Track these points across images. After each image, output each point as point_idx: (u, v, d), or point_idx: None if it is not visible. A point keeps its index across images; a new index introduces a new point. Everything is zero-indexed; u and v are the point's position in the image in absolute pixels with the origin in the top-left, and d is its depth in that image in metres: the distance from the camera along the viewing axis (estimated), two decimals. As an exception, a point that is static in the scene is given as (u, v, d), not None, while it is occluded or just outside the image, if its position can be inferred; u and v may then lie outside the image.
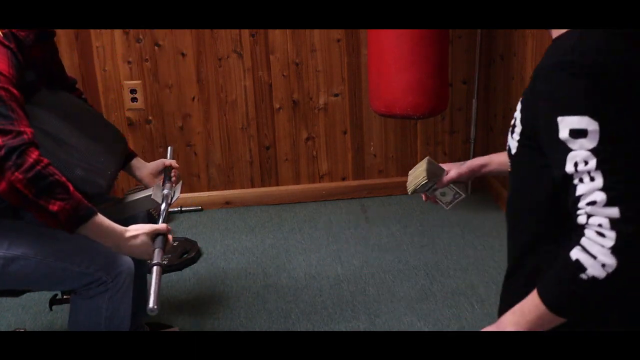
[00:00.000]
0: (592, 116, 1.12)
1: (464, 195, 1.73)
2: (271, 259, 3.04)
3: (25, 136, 1.59)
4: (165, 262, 2.90)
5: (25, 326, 2.55)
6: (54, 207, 1.59)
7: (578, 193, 1.13)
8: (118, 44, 3.32)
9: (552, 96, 1.17)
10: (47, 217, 1.62)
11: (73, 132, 1.86)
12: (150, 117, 3.44)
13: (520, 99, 1.30)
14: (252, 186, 3.61)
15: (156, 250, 1.62)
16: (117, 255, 1.87)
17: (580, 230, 1.12)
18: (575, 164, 1.13)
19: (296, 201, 3.62)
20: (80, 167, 1.74)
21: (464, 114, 3.58)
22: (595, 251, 1.09)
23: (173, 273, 2.92)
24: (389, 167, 3.62)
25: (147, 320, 2.39)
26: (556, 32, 1.29)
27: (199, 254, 3.09)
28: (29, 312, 2.63)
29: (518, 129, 1.29)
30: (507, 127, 3.43)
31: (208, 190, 3.59)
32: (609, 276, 1.08)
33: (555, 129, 1.15)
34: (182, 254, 3.02)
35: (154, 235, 1.73)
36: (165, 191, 1.93)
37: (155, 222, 1.86)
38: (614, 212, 1.09)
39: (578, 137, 1.13)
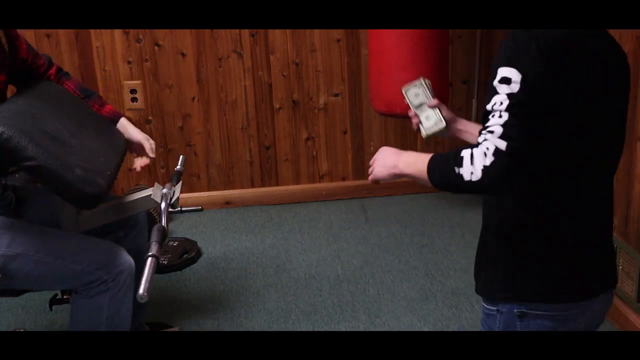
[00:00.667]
0: (519, 70, 1.35)
1: (444, 125, 1.77)
2: (271, 259, 3.04)
3: None
4: (165, 262, 2.90)
5: (25, 326, 2.55)
6: None
7: (487, 124, 1.37)
8: (118, 44, 3.32)
9: (501, 53, 1.40)
10: None
11: (73, 132, 1.86)
12: (150, 117, 3.44)
13: None
14: (252, 186, 3.61)
15: (153, 243, 1.63)
16: (118, 255, 1.87)
17: (477, 145, 1.38)
18: (494, 103, 1.37)
19: (296, 201, 3.62)
20: (80, 167, 1.74)
21: (464, 114, 3.58)
22: (474, 161, 1.36)
23: (173, 273, 2.92)
24: (389, 167, 3.61)
25: (147, 320, 2.39)
26: None
27: (199, 254, 3.09)
28: (29, 312, 2.63)
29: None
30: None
31: (208, 190, 3.59)
32: (470, 181, 1.36)
33: (494, 76, 1.38)
34: (182, 254, 3.02)
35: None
36: (165, 190, 1.93)
37: (155, 222, 1.87)
38: (501, 144, 1.34)
39: (504, 83, 1.36)
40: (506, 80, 1.36)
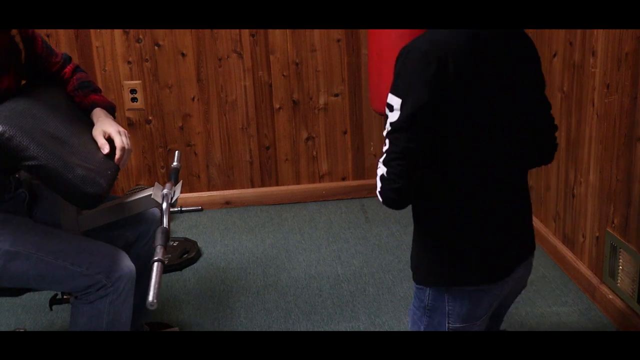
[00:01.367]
0: (398, 96, 1.48)
1: None
2: (271, 259, 3.04)
3: None
4: (165, 262, 2.90)
5: (25, 326, 2.55)
6: None
7: (383, 149, 1.54)
8: (118, 44, 3.32)
9: (394, 76, 1.52)
10: None
11: (73, 131, 1.86)
12: (150, 117, 3.44)
13: None
14: (252, 186, 3.61)
15: (158, 247, 1.63)
16: (118, 260, 1.86)
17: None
18: (384, 129, 1.53)
19: (296, 201, 3.62)
20: (80, 166, 1.74)
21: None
22: (377, 186, 1.56)
23: (173, 273, 2.92)
24: (389, 167, 3.61)
25: (147, 320, 2.39)
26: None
27: (199, 254, 3.09)
28: (29, 312, 2.63)
29: None
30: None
31: (208, 190, 3.59)
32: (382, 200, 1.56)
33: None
34: (182, 254, 3.02)
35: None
36: (165, 191, 1.92)
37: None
38: (382, 170, 1.52)
39: (389, 109, 1.51)
40: (390, 107, 1.51)
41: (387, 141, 1.52)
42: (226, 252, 3.12)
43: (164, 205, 1.87)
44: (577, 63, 2.57)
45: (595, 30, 2.42)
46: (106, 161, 1.88)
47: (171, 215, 3.44)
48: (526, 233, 1.73)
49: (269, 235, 3.27)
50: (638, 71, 2.17)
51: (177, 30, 3.32)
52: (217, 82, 3.41)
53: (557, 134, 1.76)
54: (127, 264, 1.87)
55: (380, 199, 1.55)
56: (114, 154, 1.91)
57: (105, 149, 1.90)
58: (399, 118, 1.48)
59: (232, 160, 3.55)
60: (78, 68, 2.09)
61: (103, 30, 3.29)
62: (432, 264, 1.66)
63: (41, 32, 3.22)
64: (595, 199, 2.51)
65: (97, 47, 3.32)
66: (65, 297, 2.02)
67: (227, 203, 3.60)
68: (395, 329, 2.47)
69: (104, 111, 2.02)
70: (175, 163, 2.13)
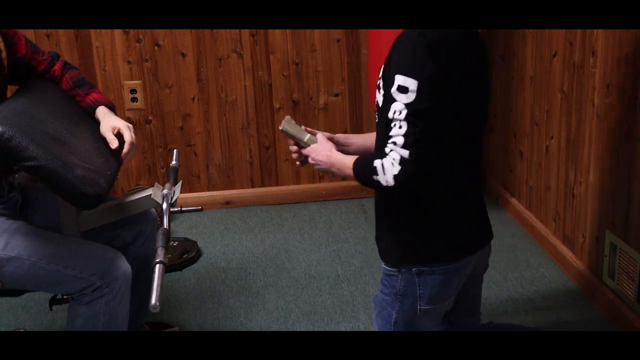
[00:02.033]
0: (416, 78, 1.51)
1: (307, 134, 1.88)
2: (271, 259, 3.04)
3: None
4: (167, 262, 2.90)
5: (25, 326, 2.55)
6: None
7: (390, 133, 1.55)
8: (118, 44, 3.32)
9: (398, 58, 1.55)
10: None
11: (73, 132, 1.86)
12: (150, 117, 3.44)
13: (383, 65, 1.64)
14: (252, 186, 3.61)
15: (159, 249, 1.62)
16: (113, 261, 1.86)
17: (385, 155, 1.56)
18: (394, 112, 1.53)
19: (296, 201, 3.62)
20: (80, 167, 1.74)
21: (464, 114, 3.58)
22: (385, 171, 1.55)
23: (173, 273, 2.92)
24: (389, 167, 3.61)
25: (147, 320, 2.39)
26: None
27: (199, 254, 3.09)
28: (29, 312, 2.63)
29: (381, 83, 1.62)
30: (507, 127, 3.43)
31: (208, 190, 3.59)
32: (387, 187, 1.56)
33: (392, 83, 1.53)
34: (182, 254, 3.02)
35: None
36: (165, 191, 1.92)
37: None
38: (405, 153, 1.53)
39: (401, 92, 1.52)
40: (403, 89, 1.52)
41: (400, 123, 1.53)
42: (226, 252, 3.12)
43: (164, 206, 1.87)
44: (577, 63, 2.57)
45: (595, 30, 2.42)
46: (106, 161, 1.88)
47: (171, 215, 3.45)
48: (486, 215, 1.84)
49: (269, 235, 3.27)
50: (638, 71, 2.16)
51: (177, 30, 3.32)
52: (217, 82, 3.41)
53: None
54: (123, 264, 1.87)
55: (393, 183, 1.55)
56: (118, 150, 1.92)
57: (115, 143, 1.91)
58: (416, 98, 1.51)
59: (232, 160, 3.55)
60: (67, 65, 2.08)
61: (103, 30, 3.29)
62: (408, 245, 1.72)
63: (41, 32, 3.24)
64: (595, 199, 2.51)
65: (97, 47, 3.31)
66: (65, 297, 2.02)
67: (227, 203, 3.60)
68: (395, 329, 2.47)
69: (108, 108, 2.03)
70: (174, 162, 2.12)
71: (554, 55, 2.75)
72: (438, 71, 1.52)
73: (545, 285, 2.71)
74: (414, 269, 1.70)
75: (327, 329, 2.49)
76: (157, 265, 1.56)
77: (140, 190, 2.04)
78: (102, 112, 2.01)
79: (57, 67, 2.05)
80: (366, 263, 2.96)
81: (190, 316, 2.60)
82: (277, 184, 3.61)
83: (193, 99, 3.42)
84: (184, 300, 2.72)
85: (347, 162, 1.71)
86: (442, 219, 1.71)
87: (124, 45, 3.32)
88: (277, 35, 3.37)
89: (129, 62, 3.35)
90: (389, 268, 1.75)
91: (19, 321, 2.59)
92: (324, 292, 2.74)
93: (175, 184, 2.00)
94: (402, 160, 1.53)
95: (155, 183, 2.04)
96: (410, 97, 1.51)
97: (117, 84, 3.37)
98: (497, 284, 2.72)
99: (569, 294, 2.63)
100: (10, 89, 1.95)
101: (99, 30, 3.28)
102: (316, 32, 3.38)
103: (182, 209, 3.52)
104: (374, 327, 1.88)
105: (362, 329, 2.48)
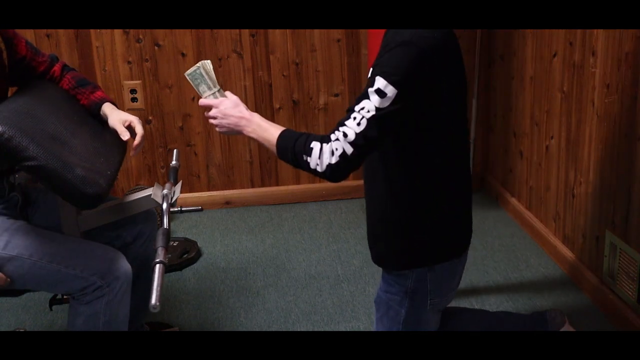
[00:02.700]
0: (396, 87, 1.51)
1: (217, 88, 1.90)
2: (271, 259, 3.04)
3: None
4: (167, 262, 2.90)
5: (25, 326, 2.55)
6: None
7: (345, 122, 1.56)
8: (118, 44, 3.32)
9: (387, 62, 1.55)
10: None
11: (73, 131, 1.86)
12: (150, 117, 3.44)
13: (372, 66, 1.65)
14: (252, 186, 3.61)
15: (159, 249, 1.63)
16: (114, 261, 1.86)
17: (328, 139, 1.58)
18: (362, 107, 1.54)
19: (296, 201, 3.62)
20: (80, 167, 1.74)
21: (464, 114, 3.58)
22: (322, 156, 1.57)
23: (173, 273, 2.92)
24: (389, 167, 3.61)
25: (147, 320, 2.39)
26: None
27: (199, 254, 3.09)
28: (29, 312, 2.63)
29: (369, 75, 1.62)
30: (507, 128, 3.43)
31: (208, 190, 3.59)
32: (315, 170, 1.58)
33: (373, 82, 1.54)
34: (182, 254, 3.02)
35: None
36: (165, 191, 1.92)
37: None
38: (349, 150, 1.55)
39: (378, 94, 1.53)
40: (381, 94, 1.53)
41: (360, 120, 1.54)
42: (226, 252, 3.12)
43: (164, 206, 1.87)
44: (577, 63, 2.57)
45: (595, 30, 2.42)
46: (106, 161, 1.88)
47: (171, 215, 3.45)
48: (469, 213, 1.87)
49: (269, 235, 3.27)
50: (638, 71, 2.16)
51: (177, 30, 3.32)
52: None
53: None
54: (123, 264, 1.87)
55: (322, 170, 1.57)
56: (122, 147, 1.94)
57: (126, 135, 1.96)
58: (388, 106, 1.53)
59: (232, 160, 3.55)
60: (66, 66, 2.10)
61: (103, 30, 3.29)
62: (414, 247, 1.75)
63: (41, 32, 3.24)
64: (595, 199, 2.51)
65: (97, 47, 3.32)
66: (65, 297, 2.03)
67: (227, 203, 3.60)
68: (395, 329, 2.47)
69: (111, 104, 2.07)
70: (174, 162, 2.13)
71: (554, 55, 2.76)
72: (425, 81, 1.55)
73: (545, 285, 2.71)
74: (426, 267, 1.76)
75: (327, 329, 2.49)
76: (157, 265, 1.56)
77: (140, 190, 2.04)
78: (109, 107, 2.04)
79: (57, 68, 2.06)
80: (366, 263, 2.95)
81: (190, 316, 2.60)
82: (277, 184, 3.61)
83: (193, 99, 3.42)
84: (184, 300, 2.72)
85: (269, 126, 1.72)
86: (446, 217, 1.75)
87: (124, 45, 3.32)
88: (277, 35, 3.37)
89: (129, 62, 3.35)
90: (398, 271, 1.81)
91: (19, 321, 2.59)
92: (324, 292, 2.74)
93: (175, 184, 2.00)
94: (343, 155, 1.55)
95: (155, 183, 2.04)
96: (384, 103, 1.52)
97: (117, 84, 3.37)
98: (497, 284, 2.72)
99: (569, 294, 2.63)
100: (10, 90, 1.96)
101: (99, 30, 3.28)
102: (316, 32, 3.38)
103: (182, 209, 3.53)
104: (375, 328, 1.88)
105: (362, 329, 2.48)
